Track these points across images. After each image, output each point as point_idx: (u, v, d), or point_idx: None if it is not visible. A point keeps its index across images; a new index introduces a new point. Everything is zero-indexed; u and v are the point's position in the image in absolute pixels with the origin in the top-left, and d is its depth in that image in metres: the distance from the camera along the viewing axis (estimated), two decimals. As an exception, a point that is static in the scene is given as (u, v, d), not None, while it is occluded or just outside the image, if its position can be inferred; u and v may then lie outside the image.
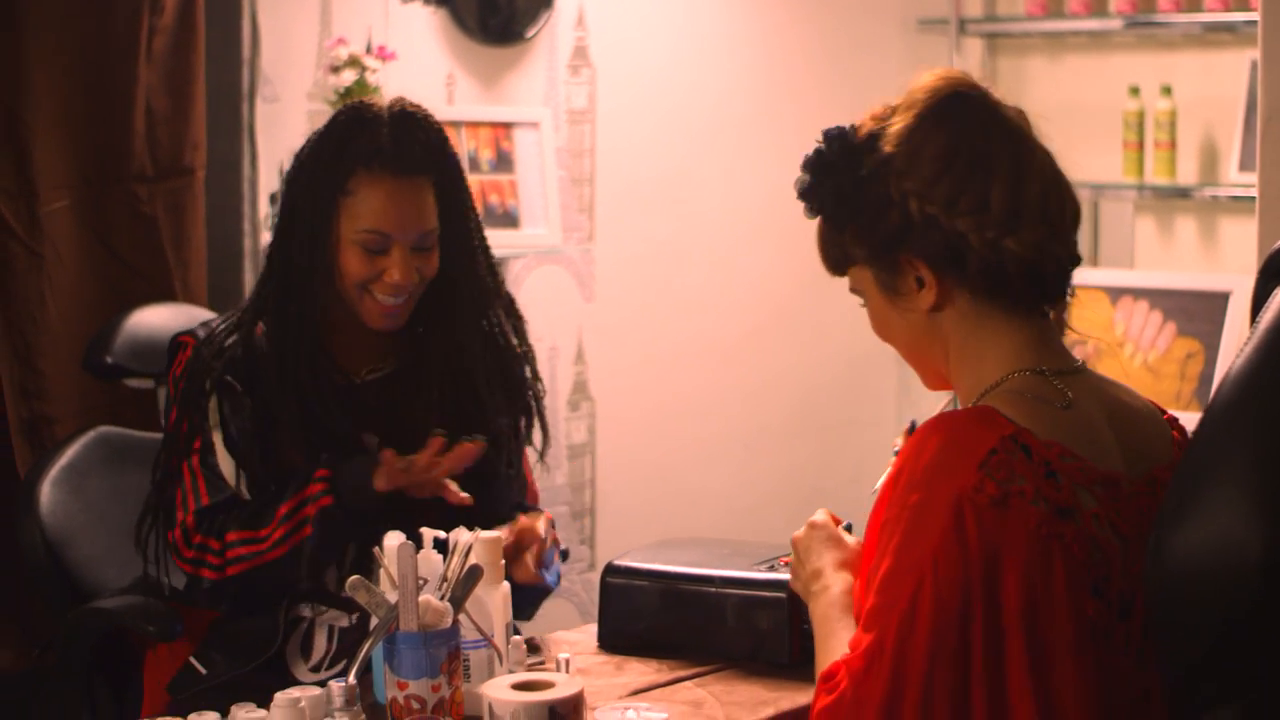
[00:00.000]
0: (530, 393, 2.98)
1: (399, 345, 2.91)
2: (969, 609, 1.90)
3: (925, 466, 1.94)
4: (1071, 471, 1.95)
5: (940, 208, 2.02)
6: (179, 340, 2.92)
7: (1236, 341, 4.56)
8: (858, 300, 2.15)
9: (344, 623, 2.80)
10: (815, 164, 2.10)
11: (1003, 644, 1.90)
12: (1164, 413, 2.16)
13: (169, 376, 2.91)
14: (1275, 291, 1.86)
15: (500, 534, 2.54)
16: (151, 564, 2.86)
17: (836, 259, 2.13)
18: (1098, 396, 2.07)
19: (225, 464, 2.81)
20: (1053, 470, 1.94)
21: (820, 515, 2.26)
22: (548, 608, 4.76)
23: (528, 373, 2.99)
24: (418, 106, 2.87)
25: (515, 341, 2.98)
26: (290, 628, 2.80)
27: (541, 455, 3.03)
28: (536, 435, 3.02)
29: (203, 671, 2.80)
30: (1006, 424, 1.95)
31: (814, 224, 2.15)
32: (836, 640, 2.04)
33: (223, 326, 2.89)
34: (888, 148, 2.05)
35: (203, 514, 2.79)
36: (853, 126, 2.10)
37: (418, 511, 2.71)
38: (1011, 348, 2.05)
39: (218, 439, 2.81)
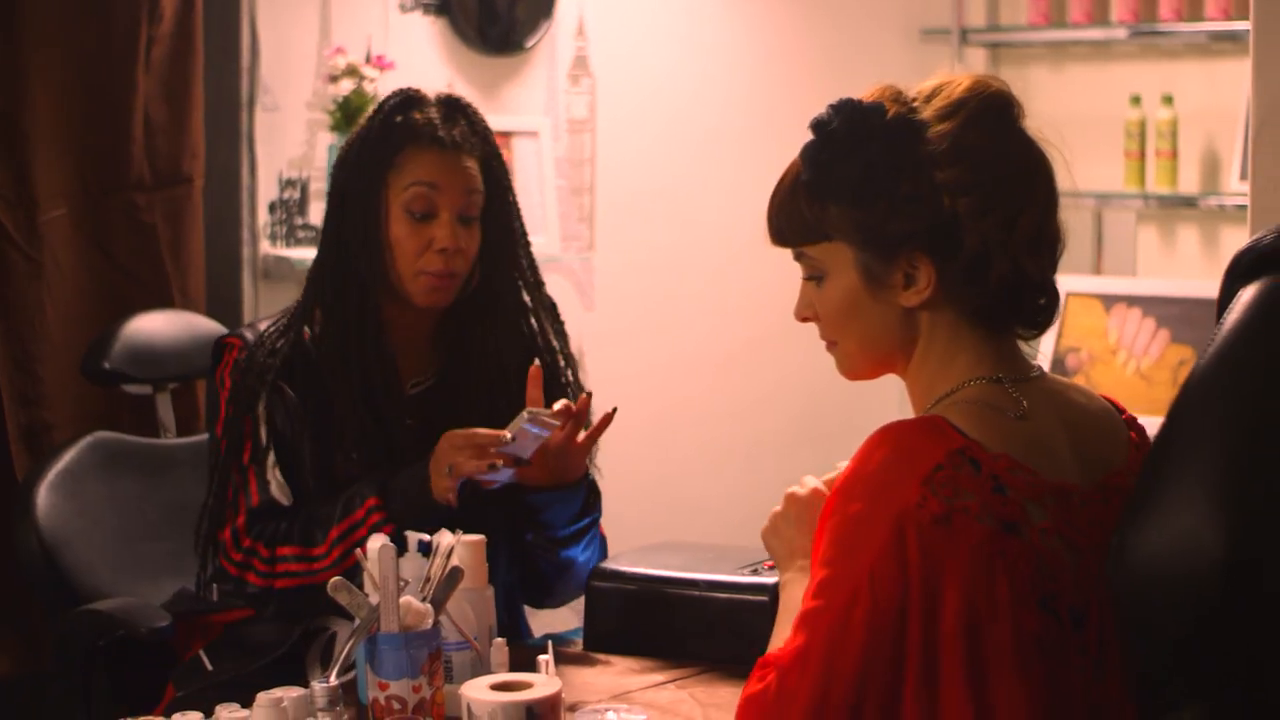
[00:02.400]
0: (572, 395, 2.95)
1: (442, 355, 2.92)
2: (905, 623, 1.87)
3: (869, 477, 1.91)
4: (1020, 485, 1.91)
5: (977, 216, 1.96)
6: (225, 341, 2.90)
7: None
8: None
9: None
10: (845, 136, 1.99)
11: (938, 659, 1.87)
12: (1122, 411, 2.13)
13: (216, 377, 2.89)
14: (1238, 293, 1.87)
15: (481, 538, 2.54)
16: (205, 567, 2.85)
17: (803, 230, 2.04)
18: (1054, 403, 2.03)
19: (273, 468, 2.81)
20: (1001, 484, 1.90)
21: (816, 482, 2.17)
22: (548, 614, 4.76)
23: (570, 377, 2.99)
24: (466, 101, 2.92)
25: (556, 344, 2.98)
26: (311, 636, 2.80)
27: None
28: None
29: (209, 668, 2.82)
30: (955, 436, 1.91)
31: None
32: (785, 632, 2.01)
33: (273, 328, 2.87)
34: (938, 140, 1.97)
35: (254, 516, 2.79)
36: (877, 104, 2.00)
37: (481, 513, 2.73)
38: (976, 358, 2.02)
39: (268, 441, 2.80)
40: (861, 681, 1.88)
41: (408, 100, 2.87)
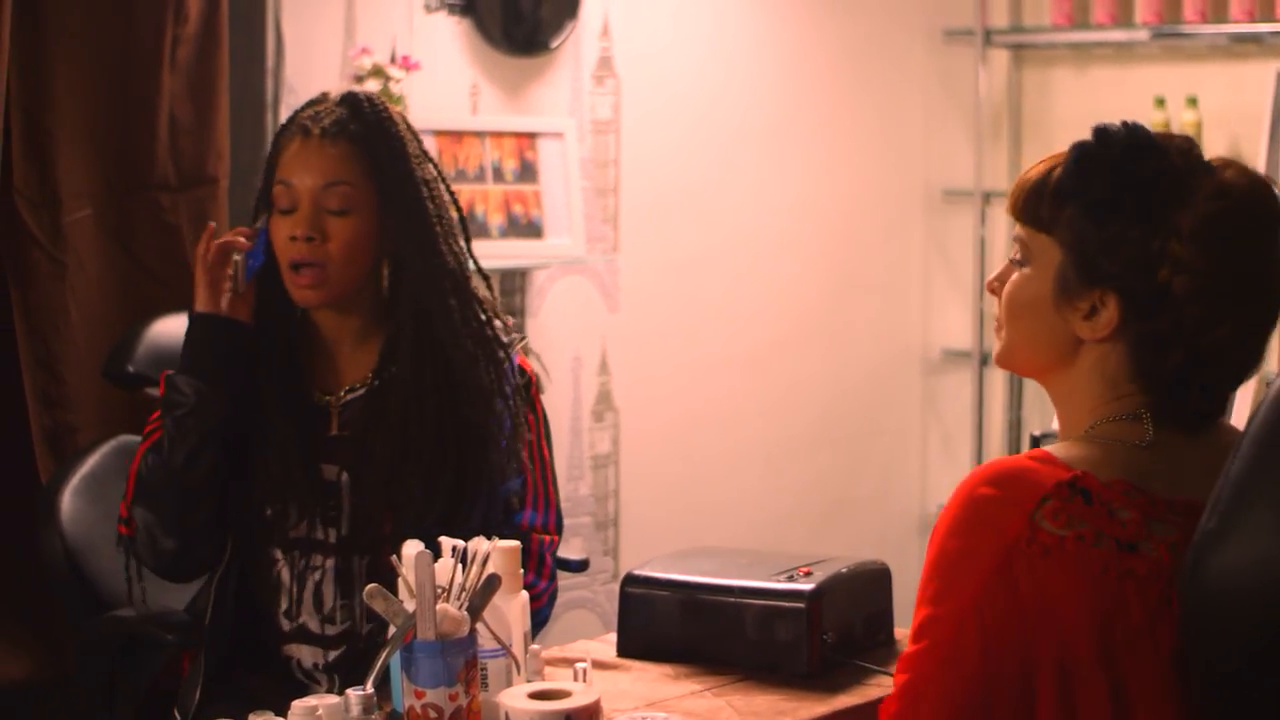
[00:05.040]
0: (499, 401, 2.86)
1: (376, 360, 2.87)
2: (1027, 652, 1.87)
3: (971, 513, 1.92)
4: (1142, 506, 1.90)
5: (1186, 300, 1.93)
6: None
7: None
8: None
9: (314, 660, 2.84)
10: (1120, 153, 1.99)
11: (1074, 689, 1.86)
12: None
13: None
14: None
15: (516, 544, 2.51)
16: (127, 566, 2.93)
17: (1036, 213, 2.03)
18: (1202, 442, 2.00)
19: None
20: (1115, 509, 1.89)
21: None
22: (571, 618, 4.76)
23: (493, 381, 2.86)
24: (370, 94, 2.88)
25: (490, 331, 2.87)
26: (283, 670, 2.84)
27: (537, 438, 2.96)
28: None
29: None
30: (1064, 469, 1.91)
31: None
32: None
33: None
34: (1192, 212, 1.95)
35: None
36: (1165, 145, 2.00)
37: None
38: (1128, 409, 2.00)
39: None
40: (985, 713, 1.87)
41: (308, 103, 2.88)
